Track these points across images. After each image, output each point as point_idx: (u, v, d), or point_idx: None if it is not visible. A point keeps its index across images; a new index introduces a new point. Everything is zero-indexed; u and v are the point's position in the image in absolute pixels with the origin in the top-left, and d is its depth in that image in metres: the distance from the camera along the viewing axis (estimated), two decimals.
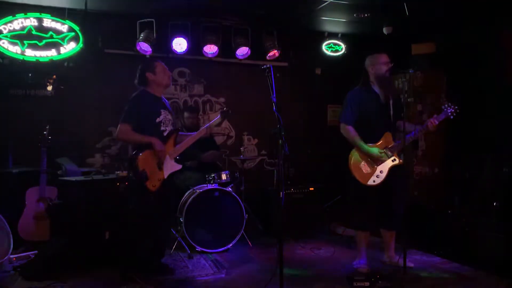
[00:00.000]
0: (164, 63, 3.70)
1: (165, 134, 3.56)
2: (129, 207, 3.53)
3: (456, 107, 3.75)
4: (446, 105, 3.78)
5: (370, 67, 3.74)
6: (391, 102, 3.71)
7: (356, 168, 3.67)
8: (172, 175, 3.63)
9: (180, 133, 3.76)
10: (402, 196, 3.69)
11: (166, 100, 3.77)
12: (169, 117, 3.63)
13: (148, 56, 5.35)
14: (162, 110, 3.57)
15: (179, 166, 3.62)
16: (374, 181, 3.64)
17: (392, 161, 3.67)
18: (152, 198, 3.41)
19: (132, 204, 3.51)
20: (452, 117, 3.77)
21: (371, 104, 3.70)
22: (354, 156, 3.69)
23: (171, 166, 3.56)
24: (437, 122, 3.70)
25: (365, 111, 3.70)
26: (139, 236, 3.46)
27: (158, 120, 3.52)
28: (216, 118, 3.87)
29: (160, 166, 3.47)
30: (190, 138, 3.68)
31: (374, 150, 3.63)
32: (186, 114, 5.31)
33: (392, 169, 3.67)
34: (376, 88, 3.74)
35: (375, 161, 3.64)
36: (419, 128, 3.68)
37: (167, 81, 3.66)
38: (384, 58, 3.71)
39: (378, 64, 3.70)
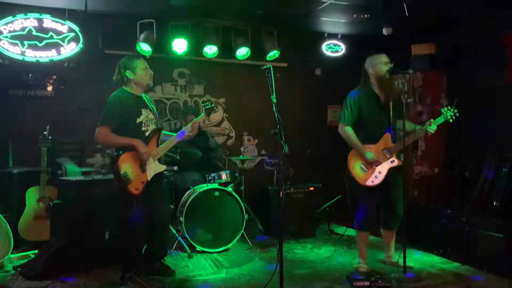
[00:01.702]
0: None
1: (147, 134, 3.42)
2: (119, 211, 3.45)
3: (456, 110, 3.74)
4: (446, 109, 3.77)
5: (370, 68, 3.73)
6: (391, 103, 3.70)
7: (354, 168, 3.67)
8: (159, 176, 3.52)
9: (163, 132, 3.64)
10: (401, 196, 3.69)
11: (148, 98, 3.62)
12: (151, 116, 3.50)
13: (149, 58, 5.33)
14: (143, 110, 3.45)
15: (163, 167, 3.52)
16: (372, 182, 3.63)
17: (391, 162, 3.67)
18: (136, 201, 3.28)
19: (119, 208, 3.41)
20: (451, 120, 3.77)
21: (371, 105, 3.70)
22: (353, 156, 3.69)
23: (154, 168, 3.43)
24: (435, 129, 3.69)
25: (365, 112, 3.69)
26: (129, 239, 3.40)
27: (139, 120, 3.39)
28: (200, 115, 3.63)
29: (143, 168, 3.34)
30: (174, 138, 3.54)
31: (369, 154, 3.62)
32: (190, 117, 5.28)
33: (391, 170, 3.67)
34: (376, 89, 3.74)
35: (373, 162, 3.64)
36: (416, 134, 3.69)
37: (147, 81, 3.50)
38: (384, 58, 3.69)
39: (378, 65, 3.68)
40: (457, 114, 3.76)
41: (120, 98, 3.40)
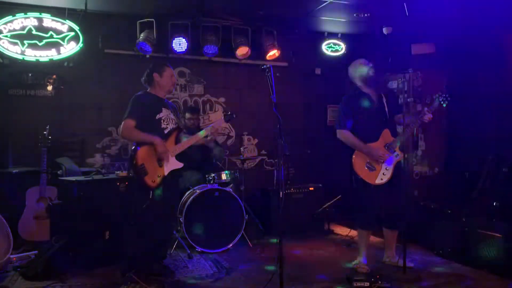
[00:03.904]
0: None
1: (166, 131, 3.55)
2: (131, 210, 3.51)
3: (447, 94, 3.76)
4: (437, 94, 3.79)
5: (352, 73, 3.85)
6: (384, 99, 3.76)
7: (361, 169, 3.68)
8: (175, 176, 3.61)
9: (183, 132, 3.78)
10: (403, 195, 3.70)
11: (170, 102, 3.77)
12: (172, 116, 3.63)
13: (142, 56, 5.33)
14: (163, 108, 3.58)
15: (180, 164, 3.59)
16: (382, 179, 3.66)
17: (396, 156, 3.69)
18: (152, 194, 3.38)
19: (133, 204, 3.48)
20: (444, 104, 3.78)
21: (364, 106, 3.76)
22: (358, 158, 3.70)
23: (171, 164, 3.53)
24: (431, 116, 3.73)
25: (360, 114, 3.74)
26: (140, 236, 3.44)
27: (158, 116, 3.52)
28: (220, 122, 3.78)
29: (160, 163, 3.46)
30: (193, 137, 3.67)
31: (375, 150, 3.64)
32: (187, 115, 5.28)
33: (395, 166, 3.68)
34: (365, 89, 3.80)
35: (379, 159, 3.65)
36: (413, 123, 3.71)
37: (170, 86, 3.67)
38: (361, 61, 3.82)
39: (358, 67, 3.80)
40: (449, 98, 3.77)
41: (142, 96, 3.58)
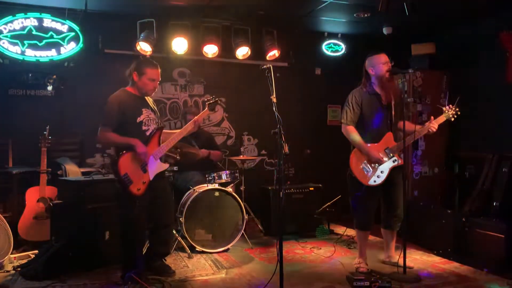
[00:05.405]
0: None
1: (148, 133, 3.45)
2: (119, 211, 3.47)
3: (457, 109, 3.75)
4: (448, 107, 3.78)
5: (370, 68, 3.72)
6: (393, 102, 3.71)
7: (357, 168, 3.67)
8: (162, 176, 3.54)
9: (164, 131, 3.65)
10: (402, 196, 3.69)
11: (150, 100, 3.63)
12: (152, 116, 3.52)
13: (142, 57, 5.29)
14: (143, 109, 3.46)
15: (165, 166, 3.54)
16: (374, 181, 3.63)
17: (393, 161, 3.67)
18: (138, 201, 3.29)
19: (121, 209, 3.43)
20: (453, 119, 3.77)
21: (372, 105, 3.70)
22: (355, 156, 3.70)
23: (156, 167, 3.45)
24: (436, 128, 3.72)
25: (367, 112, 3.69)
26: (131, 240, 3.40)
27: (139, 119, 3.40)
28: (204, 113, 3.66)
29: (144, 168, 3.35)
30: (176, 135, 3.56)
31: (373, 153, 3.62)
32: (189, 117, 5.26)
33: (393, 169, 3.67)
34: (377, 89, 3.74)
35: (376, 161, 3.64)
36: (418, 132, 3.69)
37: (147, 91, 3.49)
38: (383, 58, 3.69)
39: (378, 65, 3.68)
40: (459, 113, 3.76)
41: (119, 98, 3.43)
